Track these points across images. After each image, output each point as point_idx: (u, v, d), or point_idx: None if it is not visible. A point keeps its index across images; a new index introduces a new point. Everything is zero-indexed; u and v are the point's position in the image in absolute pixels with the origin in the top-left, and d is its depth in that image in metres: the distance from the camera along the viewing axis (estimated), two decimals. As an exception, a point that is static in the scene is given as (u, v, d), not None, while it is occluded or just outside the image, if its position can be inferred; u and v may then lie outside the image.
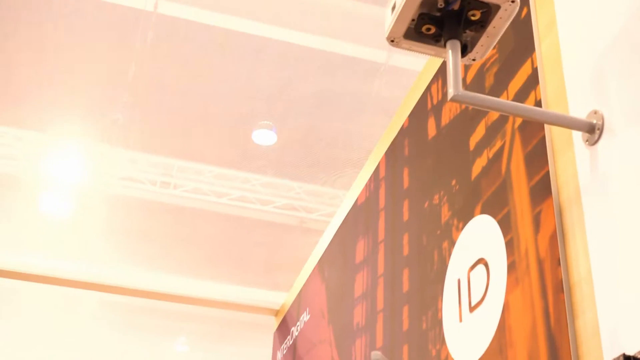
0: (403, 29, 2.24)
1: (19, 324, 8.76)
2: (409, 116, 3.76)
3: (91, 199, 6.80)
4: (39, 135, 6.27)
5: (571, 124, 2.29)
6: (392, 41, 2.28)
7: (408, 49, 2.33)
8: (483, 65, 3.01)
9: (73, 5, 5.21)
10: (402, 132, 3.82)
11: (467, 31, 2.23)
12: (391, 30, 2.25)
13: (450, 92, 2.17)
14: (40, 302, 8.10)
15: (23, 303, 8.20)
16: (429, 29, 2.23)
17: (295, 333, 5.32)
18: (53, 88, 5.85)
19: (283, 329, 5.80)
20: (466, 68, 3.11)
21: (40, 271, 6.66)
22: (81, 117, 6.11)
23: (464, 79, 3.12)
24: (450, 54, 2.20)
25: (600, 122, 2.25)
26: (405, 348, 3.28)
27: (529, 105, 2.58)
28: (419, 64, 5.30)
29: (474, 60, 2.31)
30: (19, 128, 6.23)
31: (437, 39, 2.25)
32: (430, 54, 2.32)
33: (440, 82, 3.47)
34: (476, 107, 2.85)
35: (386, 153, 4.02)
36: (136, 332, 8.93)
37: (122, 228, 7.16)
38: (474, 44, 2.26)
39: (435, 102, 3.46)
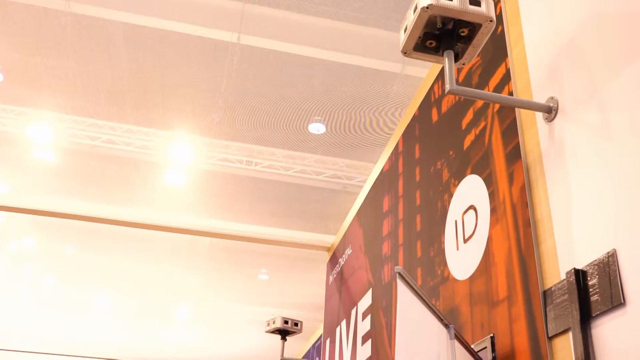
0: (412, 44, 2.22)
1: (146, 264, 8.91)
2: (418, 107, 3.73)
3: (199, 174, 6.90)
4: (163, 132, 6.37)
5: (534, 107, 2.25)
6: (405, 53, 2.27)
7: (416, 58, 2.31)
8: (470, 68, 2.97)
9: (184, 40, 5.29)
10: (414, 118, 3.80)
11: (459, 44, 2.20)
12: (404, 45, 2.23)
13: (447, 87, 2.15)
14: (168, 245, 8.26)
15: (154, 247, 8.35)
16: (431, 43, 2.21)
17: (342, 262, 5.35)
18: (172, 99, 5.94)
19: (333, 260, 5.84)
20: (458, 70, 3.07)
21: (170, 224, 6.83)
22: (190, 118, 6.19)
23: (457, 78, 3.08)
24: (447, 60, 2.18)
25: (555, 105, 2.21)
26: (419, 270, 3.28)
27: (504, 95, 2.55)
28: (424, 72, 5.25)
29: (463, 64, 2.28)
30: (149, 127, 6.35)
31: (437, 50, 2.23)
32: (432, 61, 2.30)
33: (440, 82, 3.43)
34: (466, 98, 2.81)
35: (403, 134, 4.00)
36: (232, 265, 9.05)
37: (221, 193, 7.25)
38: (463, 53, 2.23)
39: (437, 96, 3.43)
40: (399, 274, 1.56)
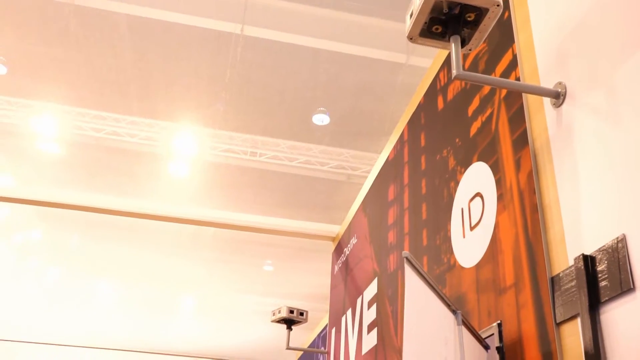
0: (418, 29, 2.19)
1: (151, 255, 8.93)
2: (424, 95, 3.71)
3: (203, 165, 6.89)
4: (167, 124, 6.36)
5: (542, 92, 2.23)
6: (411, 39, 2.23)
7: (422, 44, 2.28)
8: (477, 54, 2.94)
9: (188, 32, 5.28)
10: (419, 107, 3.77)
11: (465, 29, 2.17)
12: (410, 30, 2.20)
13: (454, 72, 2.13)
14: (173, 236, 8.27)
15: (159, 238, 8.37)
16: (437, 29, 2.18)
17: (347, 252, 5.34)
18: (176, 90, 5.92)
19: (338, 250, 5.83)
20: (464, 57, 3.04)
21: (171, 214, 6.83)
22: (194, 109, 6.18)
23: (463, 65, 3.05)
24: (453, 45, 2.15)
25: (563, 90, 2.19)
26: (425, 258, 3.27)
27: (511, 80, 2.52)
28: (429, 62, 5.22)
29: (470, 49, 2.26)
30: (153, 119, 6.34)
31: (443, 36, 2.20)
32: (439, 47, 2.27)
33: (445, 70, 3.40)
34: (473, 83, 2.79)
35: (408, 122, 3.98)
36: (237, 256, 9.06)
37: (226, 185, 7.25)
38: (470, 38, 2.20)
39: (442, 84, 3.40)
40: (407, 258, 1.55)
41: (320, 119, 6.42)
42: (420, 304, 1.64)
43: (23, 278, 10.08)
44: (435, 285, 1.75)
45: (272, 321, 5.15)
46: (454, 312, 1.90)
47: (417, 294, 1.62)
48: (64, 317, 11.95)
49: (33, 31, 5.24)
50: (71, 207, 6.73)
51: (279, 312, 5.07)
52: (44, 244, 8.87)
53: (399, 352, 3.45)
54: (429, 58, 5.18)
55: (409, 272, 1.57)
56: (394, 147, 4.24)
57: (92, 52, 5.47)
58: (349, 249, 5.23)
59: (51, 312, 11.64)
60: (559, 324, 1.99)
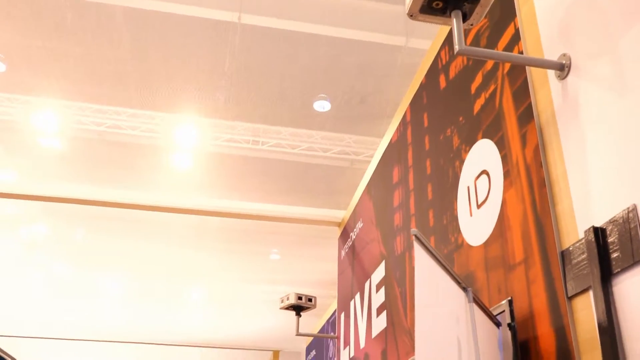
0: (418, 5, 2.16)
1: (157, 247, 8.94)
2: (425, 75, 3.67)
3: (206, 156, 6.87)
4: (167, 115, 6.34)
5: (546, 64, 2.19)
6: (411, 15, 2.20)
7: (422, 21, 2.25)
8: (478, 30, 2.90)
9: (185, 23, 5.23)
10: (421, 87, 3.74)
11: (466, 3, 2.14)
12: (410, 7, 2.17)
13: (457, 48, 2.10)
14: (178, 227, 8.28)
15: (164, 230, 8.37)
16: (437, 4, 2.15)
17: (353, 237, 5.33)
18: (175, 81, 5.89)
19: (344, 235, 5.82)
20: (466, 33, 3.00)
21: (175, 205, 6.82)
22: (194, 100, 6.15)
23: (464, 41, 3.02)
24: (455, 20, 2.12)
25: (568, 62, 2.16)
26: (432, 238, 3.25)
27: (515, 54, 2.49)
28: (427, 44, 5.17)
29: (472, 25, 2.22)
30: (154, 111, 6.31)
31: (444, 11, 2.17)
32: (440, 23, 2.24)
33: (446, 48, 3.36)
34: (476, 58, 2.76)
35: (410, 103, 3.95)
36: (243, 246, 9.06)
37: (229, 174, 7.23)
38: (471, 13, 2.17)
39: (444, 62, 3.36)
40: (416, 236, 1.53)
41: (321, 105, 6.38)
42: (431, 282, 1.63)
43: (29, 274, 10.12)
44: (445, 263, 1.73)
45: (281, 308, 5.16)
46: (464, 289, 1.89)
47: (427, 272, 1.61)
48: (72, 312, 12.01)
49: (30, 28, 5.20)
50: (75, 202, 6.73)
51: (288, 298, 5.07)
52: (49, 238, 8.89)
53: (409, 333, 3.44)
54: (429, 39, 5.13)
55: (418, 250, 1.55)
56: (397, 129, 4.21)
57: (90, 47, 5.43)
58: (355, 233, 5.22)
59: (58, 307, 11.69)
60: (570, 298, 1.97)
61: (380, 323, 4.04)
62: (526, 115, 2.36)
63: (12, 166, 6.98)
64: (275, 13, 5.32)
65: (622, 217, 1.79)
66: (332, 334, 7.83)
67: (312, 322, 10.32)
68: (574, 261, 1.96)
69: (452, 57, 3.23)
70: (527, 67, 2.39)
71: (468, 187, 2.83)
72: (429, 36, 5.06)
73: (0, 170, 7.02)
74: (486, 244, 2.58)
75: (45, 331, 13.15)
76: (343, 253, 5.74)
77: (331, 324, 8.30)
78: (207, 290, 10.98)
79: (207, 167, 7.05)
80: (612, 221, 1.83)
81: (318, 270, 9.65)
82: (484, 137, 2.72)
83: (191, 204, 6.96)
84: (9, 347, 12.92)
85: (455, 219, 2.95)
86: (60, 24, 5.18)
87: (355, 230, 5.25)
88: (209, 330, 13.03)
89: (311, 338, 10.12)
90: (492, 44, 2.73)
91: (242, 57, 5.70)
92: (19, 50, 5.46)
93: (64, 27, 5.22)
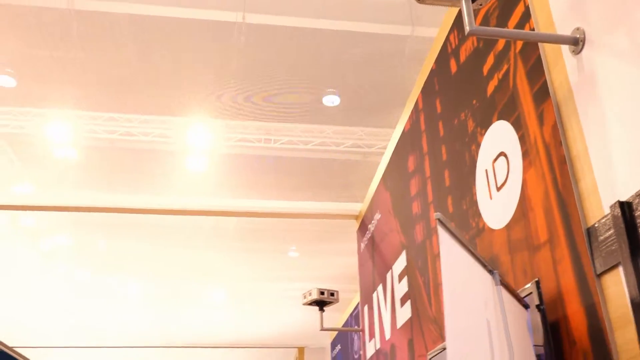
0: (427, -12, 2.13)
1: (176, 250, 8.97)
2: (435, 61, 3.64)
3: (220, 157, 6.88)
4: (179, 119, 6.35)
5: (560, 40, 2.15)
6: (420, 0, 2.17)
7: (431, 4, 2.22)
8: (487, 11, 2.86)
9: (190, 26, 5.24)
10: (432, 73, 3.70)
11: (475, -17, 2.11)
12: (418, -10, 2.14)
13: (467, 28, 2.06)
14: (196, 230, 8.30)
15: (182, 233, 8.40)
16: (445, -14, 2.12)
17: (372, 229, 5.30)
18: (184, 85, 5.90)
19: (362, 228, 5.80)
20: (475, 14, 2.96)
21: (192, 208, 6.84)
22: (204, 102, 6.15)
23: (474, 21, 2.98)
24: (464, 1, 2.09)
25: (582, 36, 2.11)
26: (453, 225, 3.22)
27: (527, 31, 2.45)
28: (434, 32, 5.12)
29: (481, 5, 2.18)
30: (165, 115, 6.33)
31: (452, -7, 2.14)
32: (448, 5, 2.20)
33: (455, 32, 3.32)
34: (487, 38, 2.72)
35: (422, 90, 3.91)
36: (262, 244, 9.07)
37: (244, 174, 7.23)
38: (480, -7, 2.14)
39: (454, 46, 3.33)
40: (439, 220, 1.50)
41: (331, 100, 6.36)
42: (457, 267, 1.60)
43: (51, 284, 10.21)
44: (469, 246, 1.70)
45: (304, 304, 5.15)
46: (490, 272, 1.86)
47: (453, 257, 1.58)
48: (95, 320, 12.11)
49: (38, 42, 5.23)
50: (93, 210, 6.77)
51: (310, 294, 5.06)
52: (69, 248, 8.96)
53: (435, 321, 3.42)
54: (435, 27, 5.08)
55: (442, 234, 1.53)
56: (410, 117, 4.17)
57: (97, 55, 5.45)
58: (374, 225, 5.19)
59: (82, 315, 11.79)
60: (599, 275, 1.93)
61: (404, 313, 4.02)
62: (542, 93, 2.32)
63: (28, 179, 7.03)
64: (279, 10, 5.31)
65: (649, 189, 1.75)
66: (356, 327, 7.81)
67: (335, 317, 10.31)
68: (601, 238, 1.93)
69: (462, 40, 3.19)
70: (540, 44, 2.35)
71: (486, 170, 2.79)
72: (435, 24, 5.01)
73: (17, 183, 7.08)
74: (508, 226, 2.55)
75: (69, 340, 13.27)
76: (362, 246, 5.72)
77: (354, 317, 8.28)
78: (228, 291, 11.01)
79: (221, 168, 7.06)
80: (638, 194, 1.79)
81: (337, 265, 9.64)
82: (499, 118, 2.68)
83: (207, 206, 6.97)
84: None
85: (475, 203, 2.91)
86: (66, 34, 5.20)
87: (373, 222, 5.23)
88: (232, 330, 13.08)
89: (335, 333, 10.11)
90: (502, 23, 2.69)
91: (249, 57, 5.69)
92: (27, 63, 5.49)
93: (70, 38, 5.24)
